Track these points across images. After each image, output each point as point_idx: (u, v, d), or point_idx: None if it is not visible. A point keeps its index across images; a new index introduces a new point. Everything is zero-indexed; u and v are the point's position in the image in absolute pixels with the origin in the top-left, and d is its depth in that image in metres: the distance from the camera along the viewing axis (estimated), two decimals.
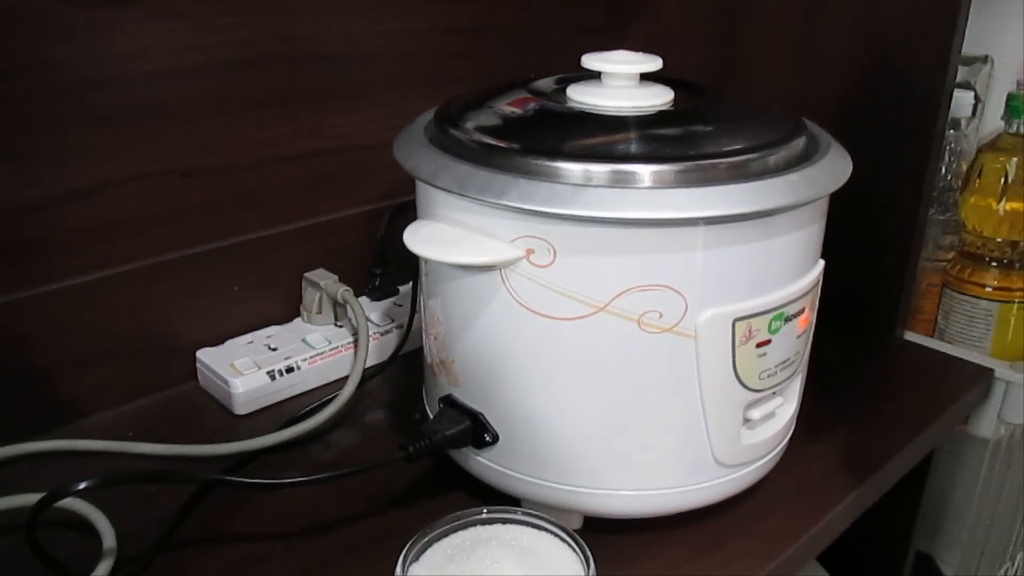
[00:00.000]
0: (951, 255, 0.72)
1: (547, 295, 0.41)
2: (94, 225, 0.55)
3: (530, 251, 0.41)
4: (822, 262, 0.46)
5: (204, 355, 0.60)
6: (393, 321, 0.65)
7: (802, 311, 0.45)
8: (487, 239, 0.42)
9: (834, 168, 0.44)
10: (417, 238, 0.43)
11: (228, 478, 0.46)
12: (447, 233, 0.43)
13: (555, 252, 0.40)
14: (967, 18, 0.60)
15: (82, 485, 0.40)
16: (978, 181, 0.69)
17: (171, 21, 0.55)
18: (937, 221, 0.72)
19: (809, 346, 0.48)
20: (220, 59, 0.58)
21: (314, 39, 0.62)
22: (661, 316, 0.41)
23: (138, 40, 0.54)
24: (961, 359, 0.67)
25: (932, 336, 0.72)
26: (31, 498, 0.47)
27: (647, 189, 0.39)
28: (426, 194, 0.45)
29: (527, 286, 0.41)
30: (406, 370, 0.63)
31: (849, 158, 0.46)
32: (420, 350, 0.52)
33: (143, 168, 0.56)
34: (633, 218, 0.38)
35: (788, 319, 0.44)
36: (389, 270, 0.69)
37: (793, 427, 0.50)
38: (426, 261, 0.47)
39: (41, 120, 0.52)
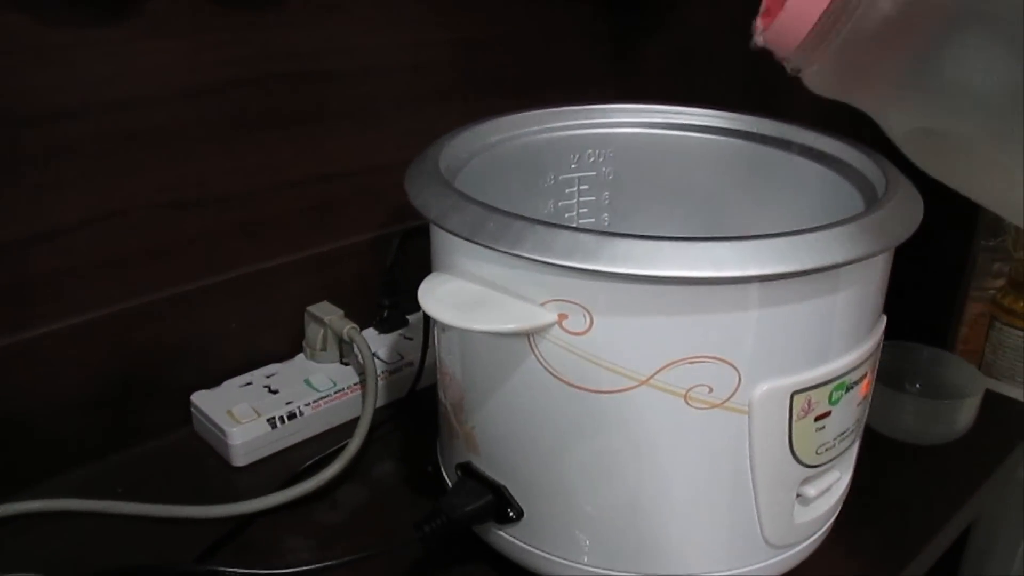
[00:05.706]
0: (1000, 283, 0.67)
1: (582, 365, 0.36)
2: (75, 265, 0.50)
3: (563, 316, 0.36)
4: (884, 317, 0.42)
5: (199, 399, 0.56)
6: (403, 358, 0.61)
7: (864, 376, 0.40)
8: (514, 300, 0.37)
9: (905, 212, 0.39)
10: (434, 298, 0.38)
11: (222, 569, 0.41)
12: (468, 292, 0.38)
13: (591, 318, 0.35)
14: None
15: None
16: None
17: (160, 40, 0.50)
18: (985, 247, 0.67)
19: (867, 411, 0.43)
20: (213, 79, 0.53)
21: (315, 55, 0.57)
22: (711, 391, 0.36)
23: (123, 61, 0.49)
24: (1012, 399, 0.62)
25: (979, 370, 0.68)
26: None
27: (682, 240, 0.34)
28: (441, 240, 0.40)
29: (559, 354, 0.37)
30: (417, 412, 0.59)
31: (919, 197, 0.41)
32: (434, 387, 0.47)
33: (129, 201, 0.51)
34: (661, 275, 0.33)
35: (849, 387, 0.39)
36: (398, 300, 0.64)
37: (846, 497, 0.45)
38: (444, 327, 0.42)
39: (13, 154, 0.47)
